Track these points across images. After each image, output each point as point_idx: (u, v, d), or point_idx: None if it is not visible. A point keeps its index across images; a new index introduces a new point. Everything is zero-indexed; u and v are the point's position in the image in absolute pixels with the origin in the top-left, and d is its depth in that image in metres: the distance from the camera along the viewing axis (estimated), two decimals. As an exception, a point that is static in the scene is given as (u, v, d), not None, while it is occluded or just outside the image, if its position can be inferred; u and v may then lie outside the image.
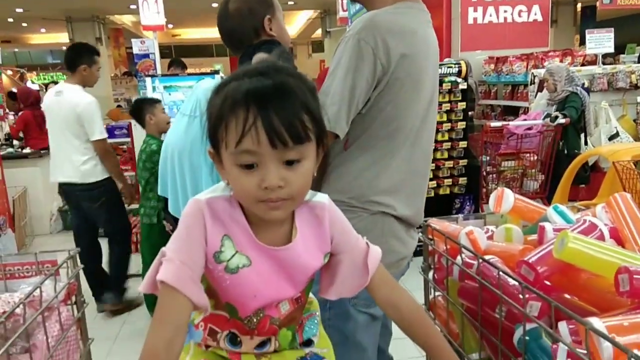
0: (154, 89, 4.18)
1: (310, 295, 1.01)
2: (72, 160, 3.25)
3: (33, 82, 12.38)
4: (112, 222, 3.42)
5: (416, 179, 1.39)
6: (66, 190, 3.42)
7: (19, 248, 4.54)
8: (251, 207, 0.82)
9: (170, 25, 13.11)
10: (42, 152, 5.51)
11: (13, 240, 4.39)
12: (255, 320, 0.89)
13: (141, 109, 3.25)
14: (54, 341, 1.31)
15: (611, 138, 4.68)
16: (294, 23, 16.78)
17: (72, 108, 3.20)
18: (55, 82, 7.29)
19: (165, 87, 4.13)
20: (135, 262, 3.76)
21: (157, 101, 3.37)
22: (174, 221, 2.83)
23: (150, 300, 3.41)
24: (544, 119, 4.29)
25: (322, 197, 0.93)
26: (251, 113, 0.74)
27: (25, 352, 1.24)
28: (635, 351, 0.80)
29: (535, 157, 4.35)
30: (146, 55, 5.30)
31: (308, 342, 0.99)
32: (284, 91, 0.77)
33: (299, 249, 0.88)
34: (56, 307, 1.36)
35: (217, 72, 4.68)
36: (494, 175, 4.36)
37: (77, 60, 3.27)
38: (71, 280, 1.44)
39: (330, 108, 1.21)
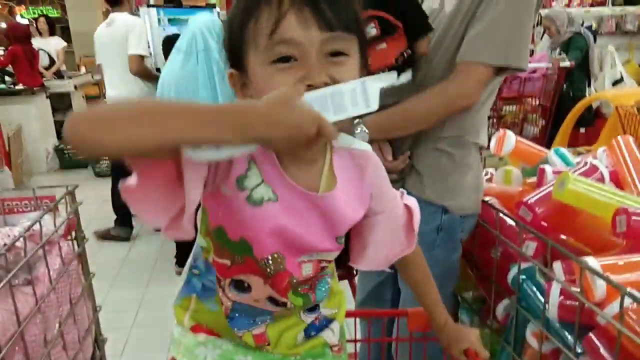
0: (159, 21, 4.01)
1: None
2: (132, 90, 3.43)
3: (22, 17, 11.94)
4: None
5: None
6: None
7: (16, 186, 4.55)
8: None
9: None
10: (35, 89, 5.41)
11: (10, 178, 4.38)
12: (273, 268, 0.76)
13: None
14: (55, 274, 1.33)
15: (615, 83, 4.61)
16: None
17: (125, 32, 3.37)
18: (46, 16, 7.03)
19: (169, 20, 3.98)
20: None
21: None
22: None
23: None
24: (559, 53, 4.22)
25: (365, 146, 0.81)
26: None
27: (27, 284, 1.26)
28: (629, 289, 0.82)
29: (537, 102, 4.29)
30: (139, -13, 5.06)
31: (313, 308, 0.88)
32: None
33: (341, 199, 0.75)
34: (57, 242, 1.38)
35: (212, 5, 4.49)
36: (494, 120, 4.31)
37: None
38: (70, 215, 1.45)
39: (519, 44, 1.16)
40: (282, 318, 0.85)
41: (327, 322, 0.91)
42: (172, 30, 3.75)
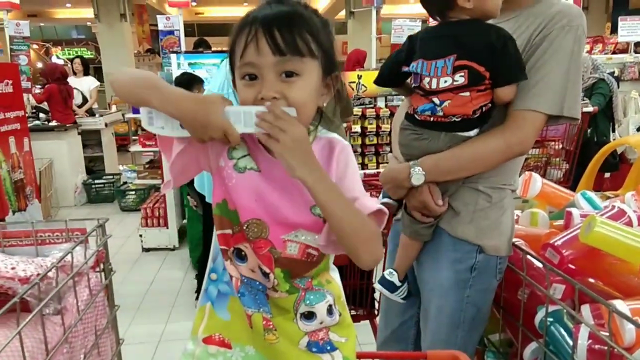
0: (178, 65, 4.21)
1: (335, 277, 0.98)
2: None
3: (58, 57, 12.53)
4: None
5: None
6: None
7: (44, 218, 4.66)
8: None
9: (193, 3, 13.09)
10: (67, 125, 5.62)
11: (39, 210, 4.51)
12: (255, 231, 0.88)
13: (191, 84, 3.18)
14: (83, 305, 1.36)
15: (639, 129, 4.57)
16: (317, 3, 16.57)
17: None
18: (80, 57, 7.37)
19: (190, 64, 4.16)
20: (151, 236, 3.84)
21: (202, 81, 3.32)
22: (198, 197, 2.87)
23: (195, 256, 3.51)
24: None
25: (341, 139, 0.91)
26: (254, 27, 0.82)
27: (57, 314, 1.28)
28: (661, 335, 0.80)
29: (561, 146, 4.27)
30: (171, 32, 5.31)
31: (309, 315, 0.93)
32: (291, 14, 0.83)
33: None
34: (86, 273, 1.41)
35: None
36: (517, 163, 4.29)
37: None
38: (100, 247, 1.49)
39: (573, 96, 1.19)
40: (280, 316, 0.92)
41: (331, 347, 0.95)
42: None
